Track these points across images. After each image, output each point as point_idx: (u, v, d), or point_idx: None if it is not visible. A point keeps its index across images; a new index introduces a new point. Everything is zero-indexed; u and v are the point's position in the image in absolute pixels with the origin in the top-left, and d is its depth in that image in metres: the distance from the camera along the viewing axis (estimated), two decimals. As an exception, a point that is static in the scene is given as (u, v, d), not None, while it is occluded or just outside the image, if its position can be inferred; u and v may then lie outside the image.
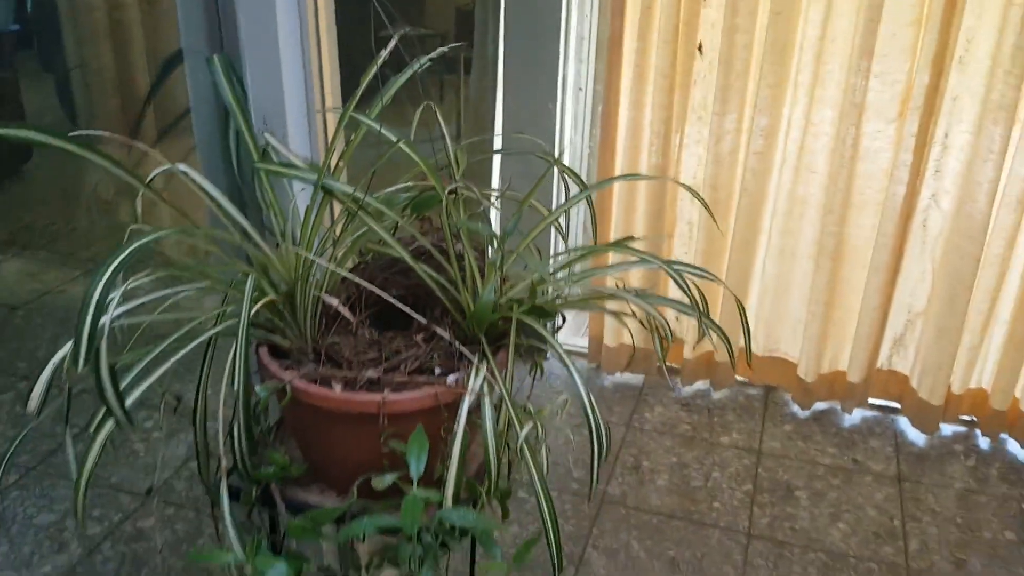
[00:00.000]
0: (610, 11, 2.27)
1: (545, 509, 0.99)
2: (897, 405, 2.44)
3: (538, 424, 1.05)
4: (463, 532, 0.98)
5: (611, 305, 1.27)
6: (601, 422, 1.04)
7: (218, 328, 1.02)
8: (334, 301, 1.09)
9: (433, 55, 1.15)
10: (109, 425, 0.92)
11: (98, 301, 0.82)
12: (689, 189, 1.39)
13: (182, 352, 0.99)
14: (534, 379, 1.18)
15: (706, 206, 1.55)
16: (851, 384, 2.40)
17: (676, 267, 1.12)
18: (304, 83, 1.21)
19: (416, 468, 0.97)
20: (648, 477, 2.19)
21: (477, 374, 1.03)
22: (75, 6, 3.45)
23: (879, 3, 2.05)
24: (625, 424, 2.39)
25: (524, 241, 1.17)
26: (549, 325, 1.12)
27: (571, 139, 2.55)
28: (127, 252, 0.86)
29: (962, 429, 2.41)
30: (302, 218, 1.12)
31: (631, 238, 1.54)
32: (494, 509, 1.05)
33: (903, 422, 2.41)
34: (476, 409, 1.04)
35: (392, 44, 1.07)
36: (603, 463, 1.11)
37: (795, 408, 2.47)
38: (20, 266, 3.24)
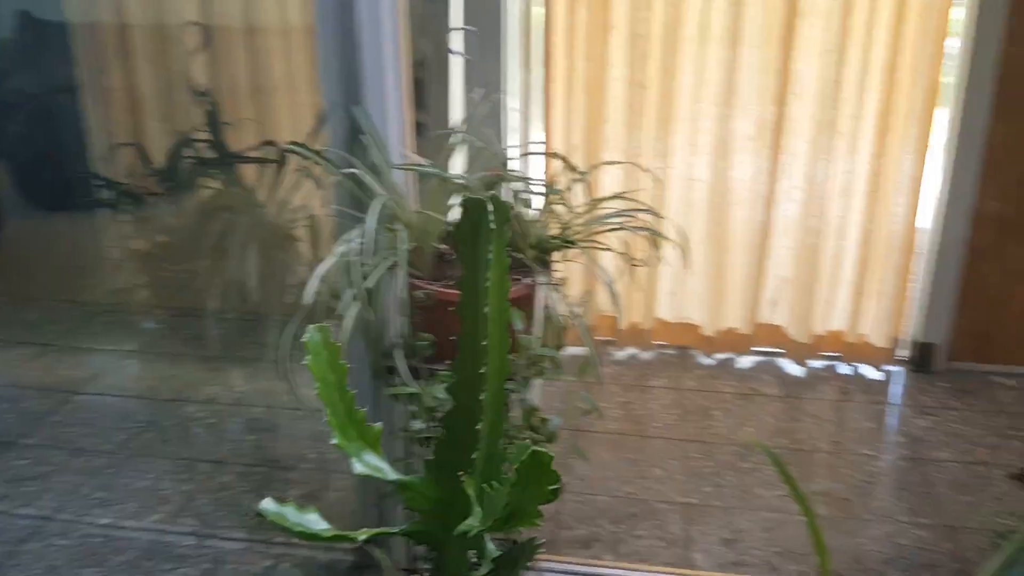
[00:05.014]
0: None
1: (589, 339, 1.70)
2: (778, 349, 3.26)
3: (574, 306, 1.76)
4: (549, 364, 1.68)
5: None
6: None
7: (389, 260, 1.69)
8: (443, 246, 1.79)
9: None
10: (356, 305, 1.57)
11: (376, 228, 1.48)
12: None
13: (375, 272, 1.66)
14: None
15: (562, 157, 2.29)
16: (742, 336, 3.20)
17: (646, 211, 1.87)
18: (399, 120, 1.90)
19: (518, 326, 1.66)
20: (604, 413, 2.91)
21: (545, 277, 1.75)
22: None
23: (734, 56, 2.90)
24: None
25: (551, 202, 1.89)
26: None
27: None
28: (380, 202, 1.54)
29: (829, 363, 3.23)
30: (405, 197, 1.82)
31: (621, 193, 2.19)
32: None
33: (784, 361, 3.23)
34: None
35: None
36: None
37: (703, 359, 3.25)
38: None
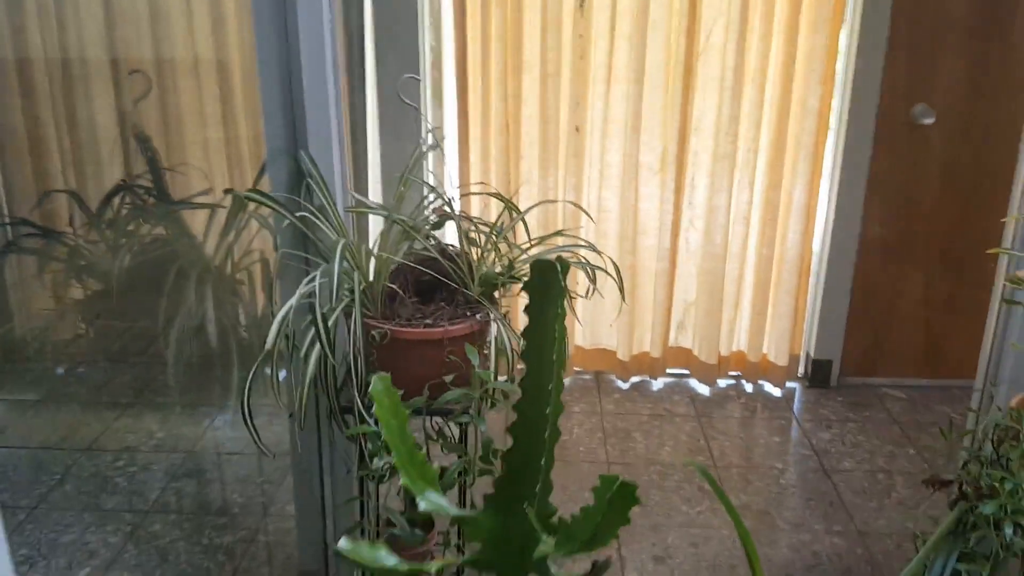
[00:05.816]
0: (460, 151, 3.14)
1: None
2: (687, 371, 3.41)
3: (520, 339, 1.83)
4: (500, 395, 1.75)
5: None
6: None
7: (345, 301, 1.73)
8: (394, 286, 1.83)
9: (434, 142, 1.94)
10: (317, 347, 1.60)
11: (338, 271, 1.52)
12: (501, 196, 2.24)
13: (335, 314, 1.69)
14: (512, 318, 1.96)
15: (503, 198, 2.41)
16: (654, 359, 3.34)
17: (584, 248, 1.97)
18: (342, 163, 1.95)
19: (474, 360, 1.72)
20: (529, 440, 2.99)
21: (492, 312, 1.81)
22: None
23: (639, 93, 3.05)
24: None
25: (498, 238, 1.97)
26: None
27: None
28: (342, 244, 1.57)
29: (733, 381, 3.41)
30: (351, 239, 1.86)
31: (562, 231, 2.31)
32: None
33: (693, 382, 3.38)
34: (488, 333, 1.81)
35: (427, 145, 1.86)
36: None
37: (619, 383, 3.38)
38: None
